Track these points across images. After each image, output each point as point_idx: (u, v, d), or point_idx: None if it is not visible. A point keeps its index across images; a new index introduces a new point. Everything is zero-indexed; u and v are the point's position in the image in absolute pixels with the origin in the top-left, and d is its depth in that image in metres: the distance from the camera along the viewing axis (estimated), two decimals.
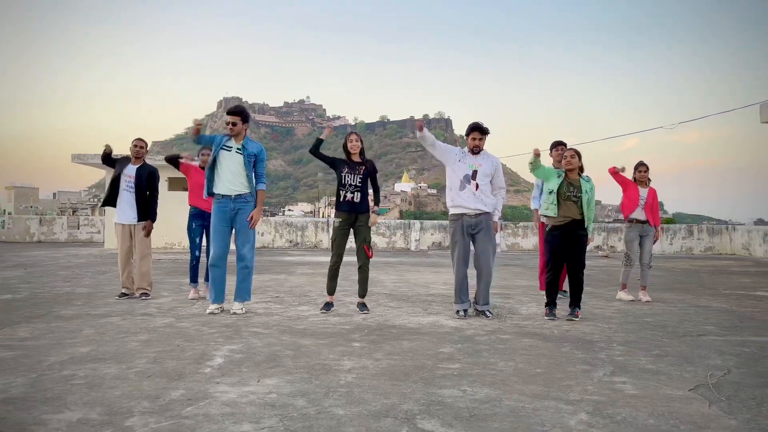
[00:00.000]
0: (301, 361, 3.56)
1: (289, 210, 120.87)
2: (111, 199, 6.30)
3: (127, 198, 6.25)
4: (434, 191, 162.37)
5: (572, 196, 5.31)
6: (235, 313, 5.26)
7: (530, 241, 20.51)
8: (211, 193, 5.28)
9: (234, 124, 5.28)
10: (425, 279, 9.24)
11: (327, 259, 14.48)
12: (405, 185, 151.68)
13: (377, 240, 20.14)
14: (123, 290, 6.32)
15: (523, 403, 2.78)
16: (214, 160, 5.26)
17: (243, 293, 5.39)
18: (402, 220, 21.66)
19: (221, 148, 5.26)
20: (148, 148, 6.51)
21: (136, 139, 6.46)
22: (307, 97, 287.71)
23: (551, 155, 6.72)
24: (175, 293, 6.85)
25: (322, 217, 61.50)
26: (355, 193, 5.46)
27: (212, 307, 5.35)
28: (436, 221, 22.02)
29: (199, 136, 5.27)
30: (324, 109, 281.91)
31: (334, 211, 5.58)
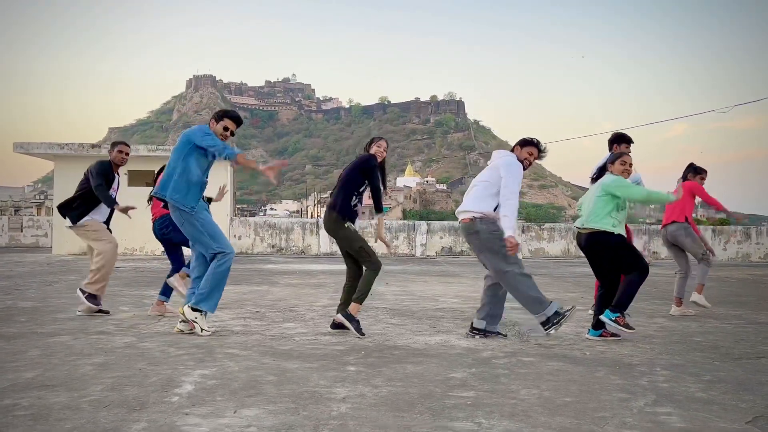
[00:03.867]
0: (286, 388, 3.56)
1: (272, 209, 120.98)
2: (88, 212, 6.22)
3: (104, 209, 6.33)
4: (443, 187, 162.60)
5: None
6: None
7: (557, 245, 20.54)
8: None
9: (232, 134, 5.37)
10: (433, 291, 9.26)
11: (316, 267, 14.46)
12: (409, 179, 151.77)
13: (375, 244, 20.16)
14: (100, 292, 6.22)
15: None
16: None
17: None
18: (405, 221, 21.70)
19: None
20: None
21: (122, 145, 6.47)
22: (293, 75, 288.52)
23: (615, 149, 6.57)
24: (136, 307, 6.85)
25: (311, 217, 61.59)
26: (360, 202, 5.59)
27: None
28: (445, 222, 22.04)
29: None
30: (313, 90, 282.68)
31: (329, 212, 5.47)
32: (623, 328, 5.11)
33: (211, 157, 5.22)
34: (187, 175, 5.12)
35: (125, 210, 6.09)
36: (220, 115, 5.34)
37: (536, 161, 5.61)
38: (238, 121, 5.38)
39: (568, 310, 5.09)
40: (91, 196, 6.17)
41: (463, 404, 3.28)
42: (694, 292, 6.95)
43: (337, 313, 5.45)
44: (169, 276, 6.31)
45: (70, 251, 16.92)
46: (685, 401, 3.41)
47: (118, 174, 6.43)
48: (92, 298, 6.10)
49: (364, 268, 5.43)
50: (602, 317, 5.21)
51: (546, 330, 5.06)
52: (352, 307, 5.31)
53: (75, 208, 6.21)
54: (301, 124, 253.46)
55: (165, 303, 6.33)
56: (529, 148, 5.42)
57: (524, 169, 5.42)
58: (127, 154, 6.44)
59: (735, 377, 3.99)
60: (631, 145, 6.37)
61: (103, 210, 6.30)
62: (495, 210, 5.20)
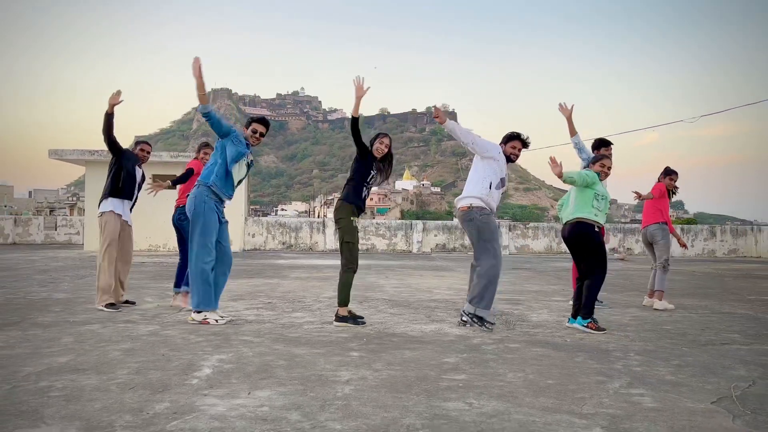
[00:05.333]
0: (295, 371, 3.56)
1: (282, 210, 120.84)
2: (126, 192, 6.13)
3: (125, 202, 6.24)
4: (438, 189, 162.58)
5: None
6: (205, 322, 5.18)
7: (541, 242, 20.54)
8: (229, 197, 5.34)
9: (262, 135, 5.42)
10: (428, 283, 9.25)
11: (323, 262, 14.42)
12: (406, 183, 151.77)
13: (376, 241, 20.15)
14: (111, 300, 5.99)
15: (534, 416, 2.78)
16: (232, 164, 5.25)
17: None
18: (403, 221, 21.68)
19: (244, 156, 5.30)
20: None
21: (144, 144, 6.43)
22: (302, 88, 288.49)
23: (595, 153, 6.59)
24: (160, 299, 6.85)
25: (318, 217, 61.62)
26: (368, 193, 5.40)
27: (218, 314, 5.26)
28: (439, 221, 22.05)
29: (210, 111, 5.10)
30: (319, 102, 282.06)
31: (340, 202, 5.31)
32: (595, 332, 5.04)
33: (244, 149, 5.24)
34: (225, 166, 5.21)
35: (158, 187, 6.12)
36: (248, 123, 5.46)
37: (522, 150, 5.45)
38: (263, 122, 5.45)
39: (491, 325, 5.06)
40: (112, 182, 6.10)
41: (455, 386, 3.28)
42: (655, 299, 6.78)
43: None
44: (179, 267, 6.23)
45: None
46: (657, 383, 3.41)
47: (141, 168, 6.33)
48: (110, 305, 5.93)
49: (341, 269, 5.25)
50: (576, 325, 5.17)
51: (471, 322, 5.05)
52: (341, 311, 5.23)
53: (102, 195, 6.14)
54: (308, 132, 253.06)
55: (182, 294, 6.23)
56: (513, 143, 5.36)
57: (512, 161, 5.37)
58: (148, 152, 6.42)
59: (701, 362, 3.99)
60: (611, 147, 6.52)
61: (127, 202, 6.18)
62: (490, 189, 5.16)
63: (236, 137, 5.26)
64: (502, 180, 5.29)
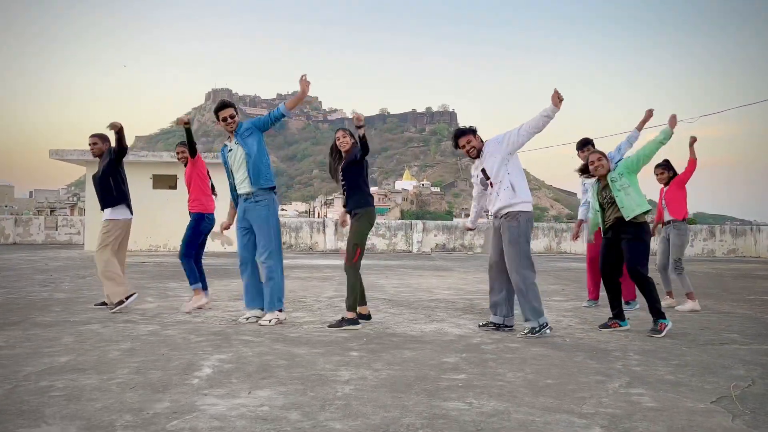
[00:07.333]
0: (295, 371, 3.55)
1: (283, 209, 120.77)
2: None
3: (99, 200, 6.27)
4: (437, 189, 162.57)
5: (610, 199, 5.20)
6: (263, 325, 5.09)
7: (541, 242, 20.53)
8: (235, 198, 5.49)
9: (233, 117, 5.24)
10: (428, 283, 9.24)
11: (323, 262, 14.39)
12: (406, 183, 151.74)
13: (376, 241, 20.13)
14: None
15: (534, 416, 2.78)
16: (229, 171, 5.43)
17: (269, 302, 5.22)
18: (403, 221, 21.67)
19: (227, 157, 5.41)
20: (105, 142, 6.24)
21: (89, 137, 6.23)
22: None
23: (579, 156, 6.59)
24: (160, 299, 6.85)
25: (318, 217, 61.59)
26: (345, 192, 5.34)
27: (248, 313, 5.34)
28: (439, 221, 22.05)
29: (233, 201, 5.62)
30: (320, 102, 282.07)
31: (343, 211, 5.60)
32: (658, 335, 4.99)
33: (225, 162, 5.45)
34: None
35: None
36: (216, 117, 5.30)
37: (472, 140, 5.02)
38: (226, 106, 5.32)
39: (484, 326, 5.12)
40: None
41: (455, 386, 3.28)
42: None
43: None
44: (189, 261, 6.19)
45: None
46: (656, 383, 3.40)
47: (101, 156, 6.29)
48: (99, 304, 6.12)
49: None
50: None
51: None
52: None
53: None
54: (309, 133, 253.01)
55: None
56: (459, 143, 5.07)
57: (473, 157, 5.10)
58: (93, 144, 6.23)
59: (700, 361, 3.99)
60: (590, 147, 6.48)
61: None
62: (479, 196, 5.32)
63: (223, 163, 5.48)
64: (482, 182, 5.08)
